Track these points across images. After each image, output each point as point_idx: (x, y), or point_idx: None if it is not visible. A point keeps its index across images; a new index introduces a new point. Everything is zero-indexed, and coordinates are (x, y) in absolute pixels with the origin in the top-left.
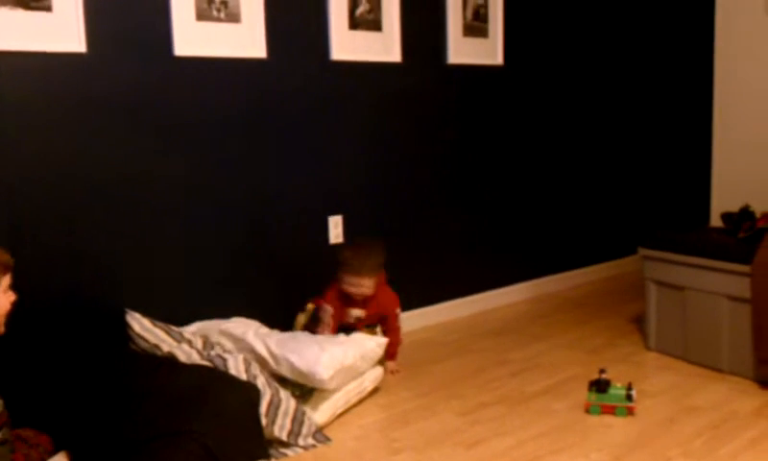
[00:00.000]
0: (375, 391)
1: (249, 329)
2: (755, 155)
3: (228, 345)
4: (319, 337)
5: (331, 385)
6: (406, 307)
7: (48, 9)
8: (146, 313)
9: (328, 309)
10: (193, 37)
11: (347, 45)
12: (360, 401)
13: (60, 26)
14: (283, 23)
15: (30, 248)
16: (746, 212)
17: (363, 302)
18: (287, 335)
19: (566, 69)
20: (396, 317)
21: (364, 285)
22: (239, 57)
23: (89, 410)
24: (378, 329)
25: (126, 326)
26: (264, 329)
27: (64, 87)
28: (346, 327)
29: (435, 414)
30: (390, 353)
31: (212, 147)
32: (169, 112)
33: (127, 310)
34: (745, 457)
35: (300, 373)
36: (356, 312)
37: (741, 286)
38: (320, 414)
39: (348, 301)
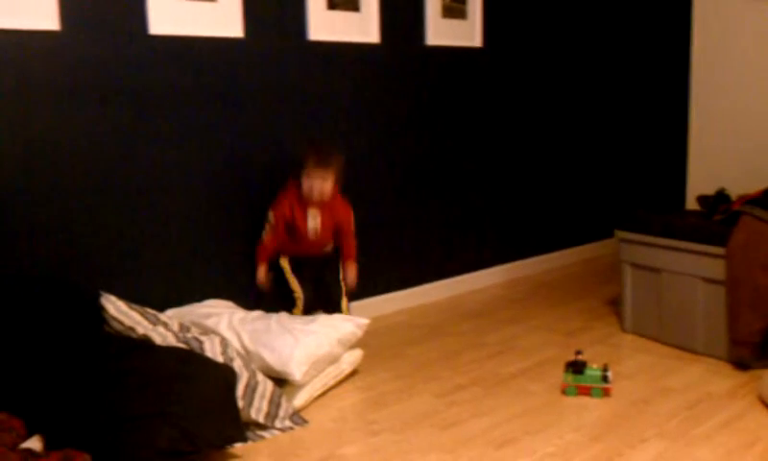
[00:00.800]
0: (353, 373)
1: (222, 319)
2: (731, 139)
3: None
4: (294, 324)
5: (305, 380)
6: (384, 290)
7: None
8: (122, 294)
9: (272, 220)
10: (169, 16)
11: (324, 25)
12: (338, 384)
13: (33, 3)
14: (260, 2)
15: (0, 228)
16: (722, 195)
17: (320, 207)
18: (261, 324)
19: (545, 52)
20: (350, 224)
21: (327, 181)
22: (215, 36)
23: (64, 393)
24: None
25: (101, 308)
26: (239, 314)
27: (38, 65)
28: (301, 262)
29: (412, 396)
30: (347, 255)
31: (187, 126)
32: (144, 91)
33: (101, 293)
34: (719, 437)
35: (273, 370)
36: (313, 219)
37: (716, 268)
38: (298, 398)
39: (305, 205)
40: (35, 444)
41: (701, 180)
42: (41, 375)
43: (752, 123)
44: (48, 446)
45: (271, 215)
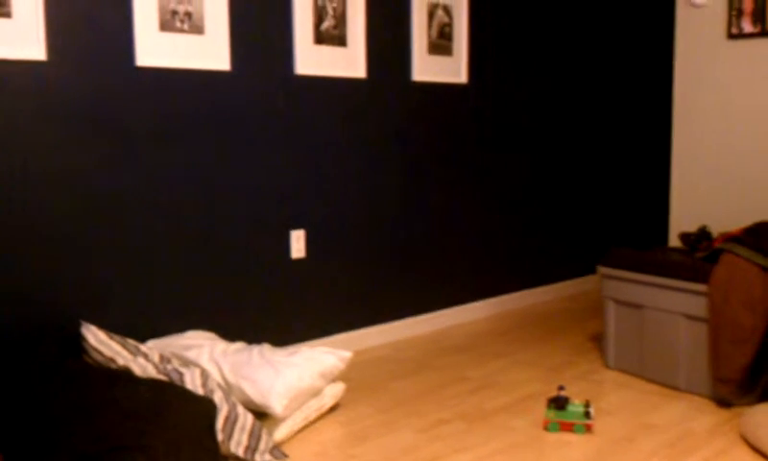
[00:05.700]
0: (335, 407)
1: (203, 351)
2: (713, 176)
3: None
4: (276, 357)
5: (285, 414)
6: (366, 324)
7: (8, 15)
8: (102, 324)
9: None
10: (156, 48)
11: (311, 60)
12: (319, 418)
13: (20, 33)
14: (248, 36)
15: None
16: (704, 233)
17: None
18: (243, 356)
19: (529, 89)
20: None
21: None
22: (202, 68)
23: (41, 424)
24: None
25: (81, 338)
26: (221, 345)
27: (23, 96)
28: None
29: (394, 431)
30: None
31: (173, 159)
32: (129, 123)
33: (82, 322)
34: None
35: (254, 403)
36: None
37: (698, 305)
38: (278, 431)
39: None
40: None
41: (683, 217)
42: (19, 405)
43: (733, 162)
44: None
45: None
